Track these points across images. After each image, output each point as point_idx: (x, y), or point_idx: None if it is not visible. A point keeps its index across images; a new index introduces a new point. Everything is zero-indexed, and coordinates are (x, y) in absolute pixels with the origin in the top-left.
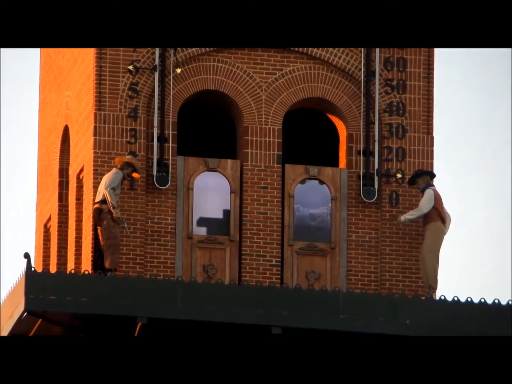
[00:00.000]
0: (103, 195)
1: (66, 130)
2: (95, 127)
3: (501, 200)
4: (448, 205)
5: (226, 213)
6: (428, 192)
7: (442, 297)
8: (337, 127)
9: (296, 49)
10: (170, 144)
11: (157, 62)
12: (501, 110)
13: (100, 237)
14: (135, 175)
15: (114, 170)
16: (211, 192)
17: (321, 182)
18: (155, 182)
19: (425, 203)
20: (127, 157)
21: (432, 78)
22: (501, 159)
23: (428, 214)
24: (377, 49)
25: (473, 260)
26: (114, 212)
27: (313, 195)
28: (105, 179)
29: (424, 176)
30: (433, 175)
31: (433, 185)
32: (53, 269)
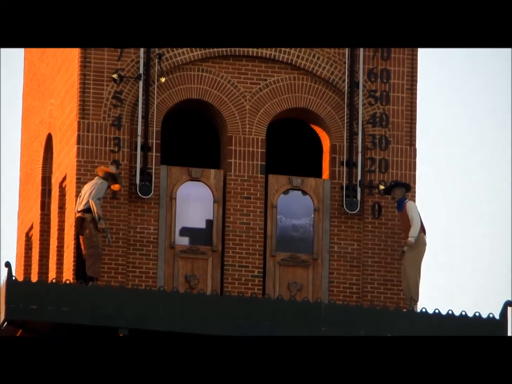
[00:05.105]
0: (85, 204)
1: (49, 138)
2: (78, 136)
3: (484, 213)
4: (431, 217)
5: (209, 223)
6: (412, 204)
7: (423, 310)
8: (320, 137)
9: (280, 59)
10: (154, 153)
11: (141, 71)
12: (487, 120)
13: (82, 246)
14: (113, 187)
15: (98, 180)
16: (194, 202)
17: (304, 193)
18: (138, 192)
19: (416, 216)
20: (110, 167)
21: (415, 89)
22: (487, 172)
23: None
24: (361, 60)
25: (455, 272)
26: (99, 224)
27: (296, 206)
28: (89, 189)
29: (401, 187)
30: (409, 188)
31: (407, 198)
32: (34, 278)
